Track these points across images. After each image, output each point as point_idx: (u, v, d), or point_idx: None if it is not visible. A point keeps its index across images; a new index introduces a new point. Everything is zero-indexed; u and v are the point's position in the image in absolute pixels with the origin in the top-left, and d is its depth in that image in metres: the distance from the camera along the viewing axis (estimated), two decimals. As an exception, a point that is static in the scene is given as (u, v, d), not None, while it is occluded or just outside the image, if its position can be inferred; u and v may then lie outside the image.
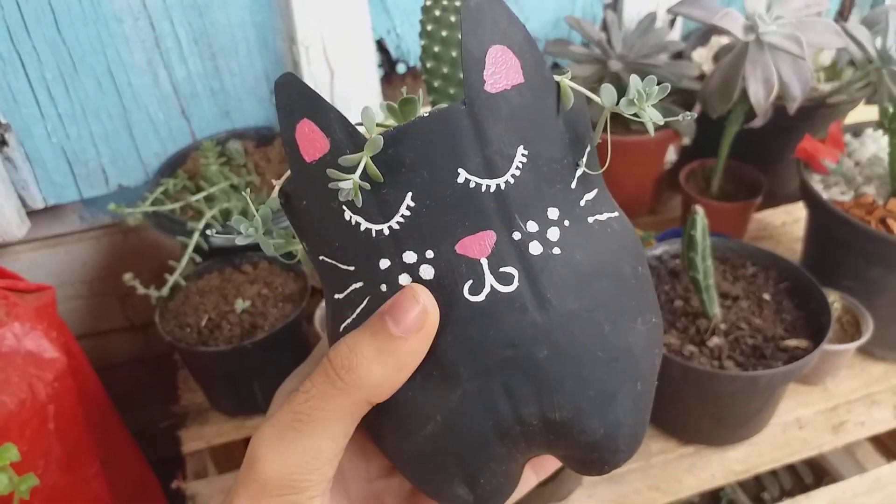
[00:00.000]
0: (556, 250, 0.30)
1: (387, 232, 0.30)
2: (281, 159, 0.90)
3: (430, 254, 0.30)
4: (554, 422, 0.31)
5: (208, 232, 0.49)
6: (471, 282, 0.29)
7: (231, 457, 0.82)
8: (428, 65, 0.64)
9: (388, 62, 0.96)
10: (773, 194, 1.01)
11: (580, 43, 1.00)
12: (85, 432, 0.77)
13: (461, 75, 0.66)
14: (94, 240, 0.99)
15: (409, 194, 0.29)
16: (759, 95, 0.77)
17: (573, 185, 0.32)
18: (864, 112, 0.95)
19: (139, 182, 0.93)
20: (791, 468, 1.02)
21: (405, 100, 0.33)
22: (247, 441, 0.50)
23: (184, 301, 0.77)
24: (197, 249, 0.77)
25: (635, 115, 0.31)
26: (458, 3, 0.61)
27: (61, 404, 0.73)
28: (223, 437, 0.80)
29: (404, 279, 0.30)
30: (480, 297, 0.29)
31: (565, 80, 0.31)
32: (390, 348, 0.29)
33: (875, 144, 0.85)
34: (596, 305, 0.31)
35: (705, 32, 1.03)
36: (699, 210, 0.66)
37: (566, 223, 0.31)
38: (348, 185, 0.28)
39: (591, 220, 0.32)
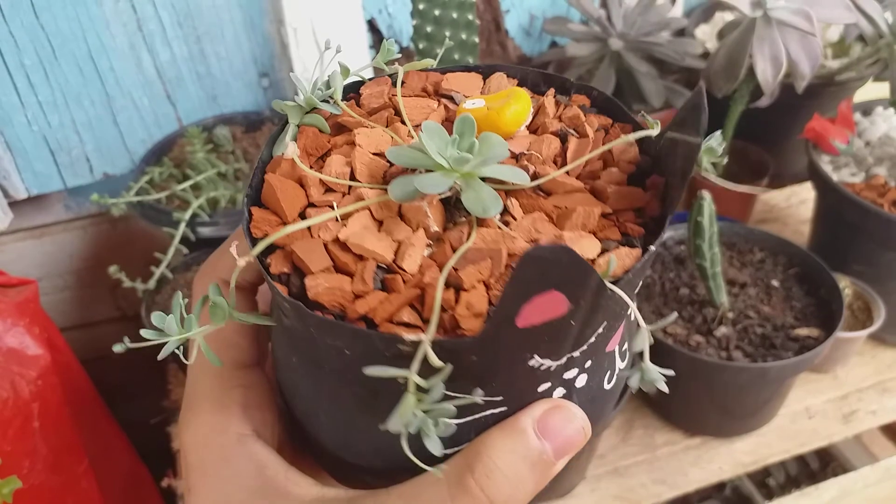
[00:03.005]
0: None
1: (564, 361, 0.28)
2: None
3: (589, 363, 0.29)
4: None
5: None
6: (609, 373, 0.31)
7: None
8: (420, 45, 0.61)
9: (379, 43, 0.93)
10: (778, 175, 0.98)
11: (579, 21, 0.96)
12: (72, 430, 0.75)
13: (455, 56, 0.63)
14: (81, 230, 0.97)
15: (605, 323, 0.28)
16: (766, 74, 0.74)
17: None
18: (874, 90, 0.92)
19: (125, 170, 0.90)
20: (797, 455, 1.01)
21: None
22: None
23: (171, 294, 0.75)
24: (184, 240, 0.75)
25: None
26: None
27: (46, 402, 0.71)
28: (215, 432, 0.78)
29: (559, 392, 0.29)
30: (612, 384, 0.31)
31: None
32: (548, 476, 0.28)
33: (886, 123, 0.82)
34: None
35: (708, 8, 1.00)
36: (706, 195, 0.63)
37: None
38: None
39: None
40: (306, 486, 0.28)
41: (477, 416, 0.28)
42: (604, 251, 0.28)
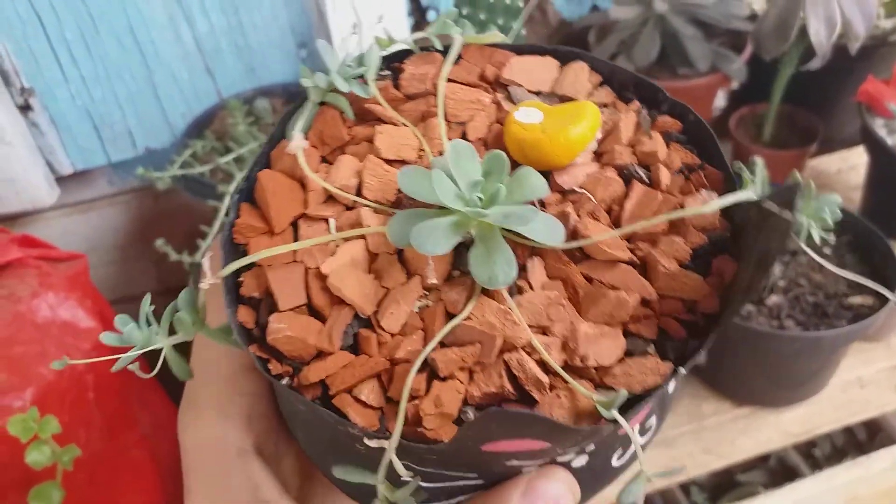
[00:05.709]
0: None
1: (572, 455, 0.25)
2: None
3: (592, 447, 0.25)
4: None
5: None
6: (620, 449, 0.27)
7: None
8: (463, 11, 0.60)
9: (417, 10, 0.91)
10: (827, 140, 0.95)
11: (621, -17, 0.94)
12: (125, 400, 0.76)
13: (499, 21, 0.62)
14: (125, 204, 0.98)
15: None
16: (820, 35, 0.72)
17: None
18: (930, 49, 0.89)
19: (167, 144, 0.91)
20: (844, 424, 0.99)
21: None
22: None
23: (217, 266, 0.75)
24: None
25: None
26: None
27: (100, 373, 0.72)
28: (262, 403, 0.79)
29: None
30: (624, 460, 0.28)
31: None
32: None
33: (943, 84, 0.80)
34: None
35: (755, -32, 0.97)
36: (759, 161, 0.61)
37: None
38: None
39: None
40: None
41: (446, 484, 0.25)
42: (628, 354, 0.23)
